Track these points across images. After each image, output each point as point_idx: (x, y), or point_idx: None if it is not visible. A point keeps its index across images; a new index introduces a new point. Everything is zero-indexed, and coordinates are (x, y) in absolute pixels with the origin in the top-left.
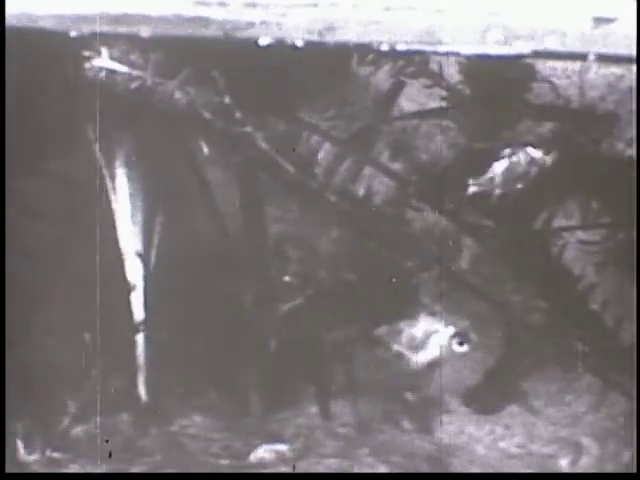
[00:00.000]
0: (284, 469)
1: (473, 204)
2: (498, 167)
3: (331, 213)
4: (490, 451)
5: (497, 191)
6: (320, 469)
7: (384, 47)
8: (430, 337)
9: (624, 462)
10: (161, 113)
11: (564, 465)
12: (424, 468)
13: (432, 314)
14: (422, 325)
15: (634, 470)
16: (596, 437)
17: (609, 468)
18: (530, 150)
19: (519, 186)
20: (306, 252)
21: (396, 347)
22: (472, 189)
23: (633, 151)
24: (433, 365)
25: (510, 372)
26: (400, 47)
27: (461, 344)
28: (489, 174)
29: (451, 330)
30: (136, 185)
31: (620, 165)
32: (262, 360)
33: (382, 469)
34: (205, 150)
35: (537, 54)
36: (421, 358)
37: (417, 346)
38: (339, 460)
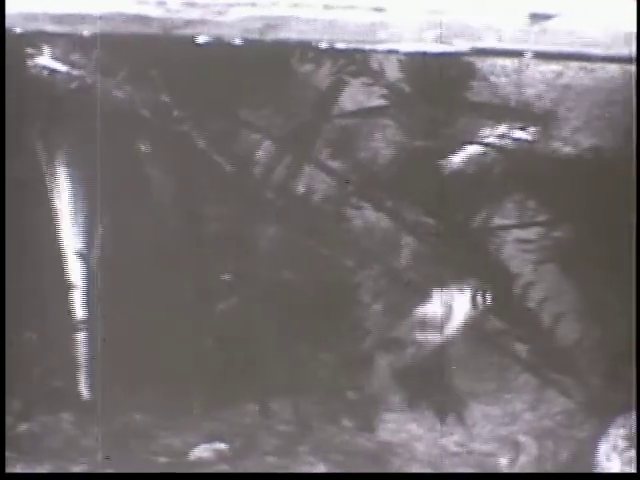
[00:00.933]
0: (224, 468)
1: (413, 202)
2: (439, 165)
3: (270, 211)
4: (430, 449)
5: (437, 189)
6: (259, 468)
7: (324, 45)
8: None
9: (562, 461)
10: (101, 112)
11: (503, 464)
12: (364, 466)
13: (371, 312)
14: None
15: (634, 470)
16: (534, 436)
17: (547, 467)
18: (469, 148)
19: (458, 184)
20: (245, 250)
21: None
22: (413, 187)
23: (569, 150)
24: (375, 363)
25: (448, 370)
26: (340, 45)
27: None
28: (428, 172)
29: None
30: (77, 184)
31: (557, 163)
32: (201, 358)
33: (321, 467)
34: (144, 148)
35: (475, 51)
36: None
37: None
38: (278, 458)
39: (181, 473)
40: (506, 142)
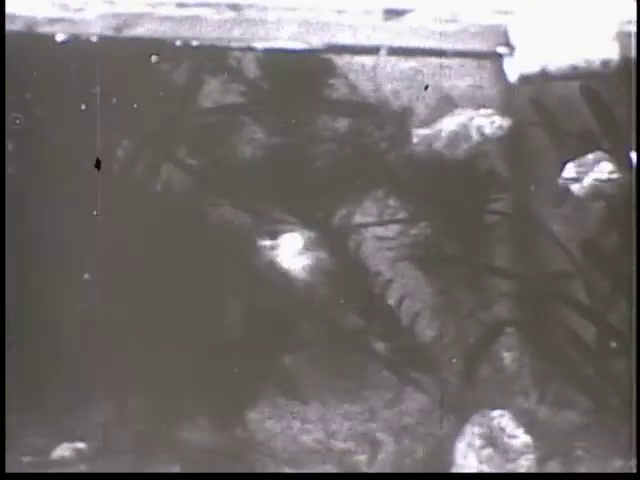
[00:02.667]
0: (83, 467)
1: (272, 200)
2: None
3: (129, 209)
4: (290, 446)
5: (297, 186)
6: (116, 468)
7: (180, 43)
8: None
9: (419, 458)
10: None
11: (362, 460)
12: (223, 465)
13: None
14: None
15: (634, 470)
16: (392, 433)
17: (405, 464)
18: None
19: (318, 181)
20: (105, 248)
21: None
22: (272, 185)
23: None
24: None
25: (310, 369)
26: (197, 43)
27: None
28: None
29: None
30: None
31: (414, 160)
32: (62, 358)
33: (176, 467)
34: (10, 147)
35: (330, 48)
36: None
37: None
38: (135, 457)
39: (181, 473)
40: (367, 139)
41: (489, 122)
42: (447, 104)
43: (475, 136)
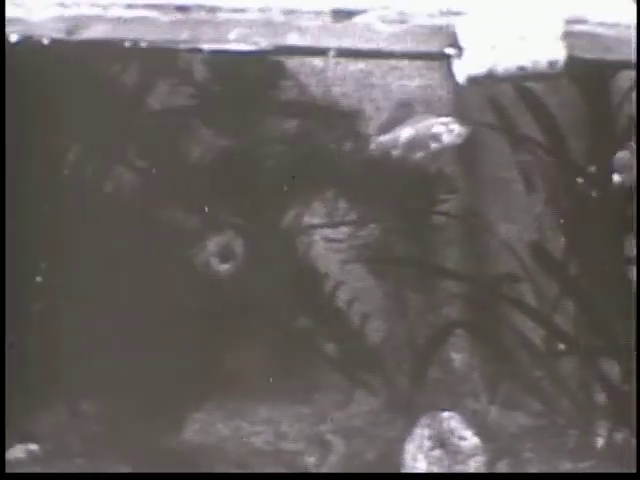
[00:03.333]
0: (37, 469)
1: (222, 202)
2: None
3: (80, 211)
4: (239, 448)
5: (246, 188)
6: (68, 469)
7: (130, 45)
8: None
9: (370, 460)
10: None
11: (312, 462)
12: (170, 467)
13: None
14: None
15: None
16: (343, 435)
17: (355, 466)
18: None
19: (268, 182)
20: (55, 250)
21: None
22: (222, 187)
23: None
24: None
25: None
26: (146, 45)
27: None
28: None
29: None
30: None
31: (364, 162)
32: (15, 359)
33: (124, 468)
34: None
35: (279, 50)
36: None
37: None
38: (86, 460)
39: (181, 473)
40: (316, 141)
41: (447, 130)
42: (405, 111)
43: (433, 144)
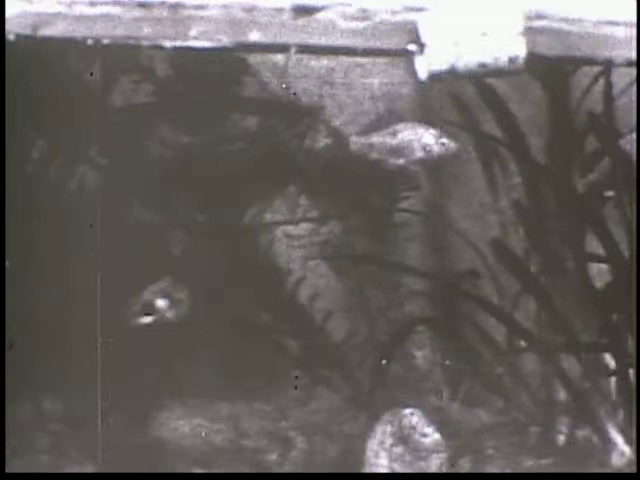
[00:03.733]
0: None
1: (184, 199)
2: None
3: (44, 208)
4: (201, 446)
5: (208, 185)
6: (32, 468)
7: (92, 42)
8: None
9: (332, 457)
10: None
11: (273, 459)
12: (133, 466)
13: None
14: None
15: (634, 470)
16: (304, 432)
17: (316, 462)
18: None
19: (229, 179)
20: (19, 249)
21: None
22: (184, 184)
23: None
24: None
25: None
26: (108, 42)
27: None
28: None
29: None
30: None
31: (325, 159)
32: None
33: (89, 466)
34: None
35: (240, 46)
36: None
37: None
38: (50, 457)
39: (181, 473)
40: (278, 137)
41: (437, 142)
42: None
43: (419, 153)
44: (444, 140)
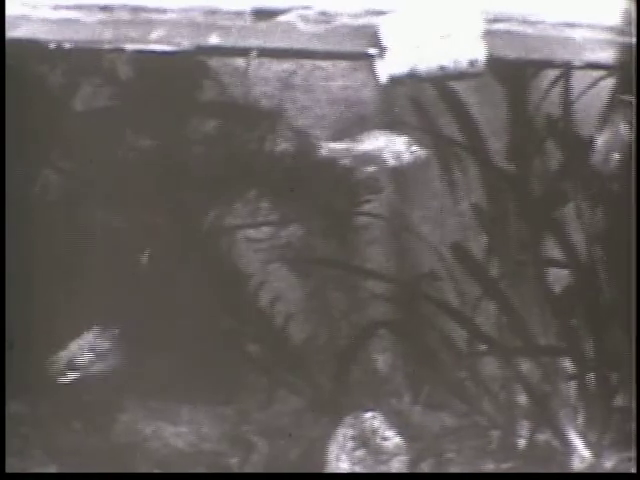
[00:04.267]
0: None
1: (145, 203)
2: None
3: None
4: (162, 449)
5: (168, 189)
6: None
7: (53, 46)
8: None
9: (293, 460)
10: None
11: (234, 463)
12: (95, 467)
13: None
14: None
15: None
16: (265, 435)
17: (278, 466)
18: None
19: (190, 183)
20: None
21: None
22: (144, 188)
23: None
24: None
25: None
26: (70, 46)
27: None
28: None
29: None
30: None
31: (286, 162)
32: None
33: (52, 468)
34: None
35: (201, 50)
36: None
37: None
38: (17, 459)
39: (181, 473)
40: (238, 141)
41: (408, 150)
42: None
43: (392, 161)
44: (405, 145)
